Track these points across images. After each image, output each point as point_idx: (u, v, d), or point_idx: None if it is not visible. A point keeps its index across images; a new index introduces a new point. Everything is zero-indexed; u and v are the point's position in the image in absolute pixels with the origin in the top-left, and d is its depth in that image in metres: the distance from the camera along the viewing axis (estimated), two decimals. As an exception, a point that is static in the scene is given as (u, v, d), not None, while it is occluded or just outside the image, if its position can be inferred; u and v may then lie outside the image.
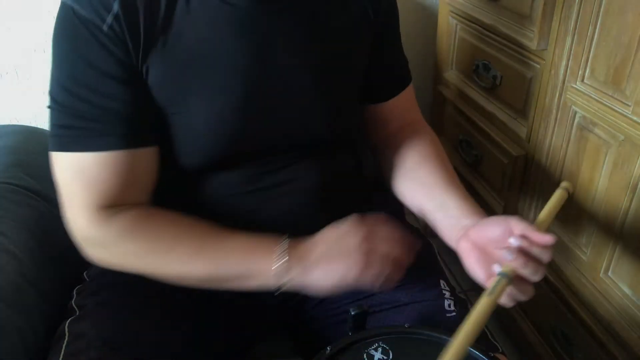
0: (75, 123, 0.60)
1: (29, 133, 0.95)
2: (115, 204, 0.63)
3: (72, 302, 0.68)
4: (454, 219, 0.68)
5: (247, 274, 0.62)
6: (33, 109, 1.17)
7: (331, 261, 0.61)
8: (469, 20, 1.13)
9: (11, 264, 0.67)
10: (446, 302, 0.73)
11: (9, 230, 0.71)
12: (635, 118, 0.71)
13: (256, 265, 0.62)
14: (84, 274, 0.73)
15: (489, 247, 0.61)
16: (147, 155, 0.64)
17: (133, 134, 0.62)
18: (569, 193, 0.65)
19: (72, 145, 0.60)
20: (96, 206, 0.62)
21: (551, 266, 0.95)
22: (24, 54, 1.12)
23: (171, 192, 0.72)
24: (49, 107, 0.62)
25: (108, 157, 0.60)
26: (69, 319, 0.65)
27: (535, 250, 0.56)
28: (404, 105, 0.83)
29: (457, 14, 1.18)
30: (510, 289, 0.56)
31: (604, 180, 0.79)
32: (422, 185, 0.74)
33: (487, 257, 0.60)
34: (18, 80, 1.15)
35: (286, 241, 0.63)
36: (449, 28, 1.23)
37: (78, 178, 0.61)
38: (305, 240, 0.65)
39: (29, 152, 0.89)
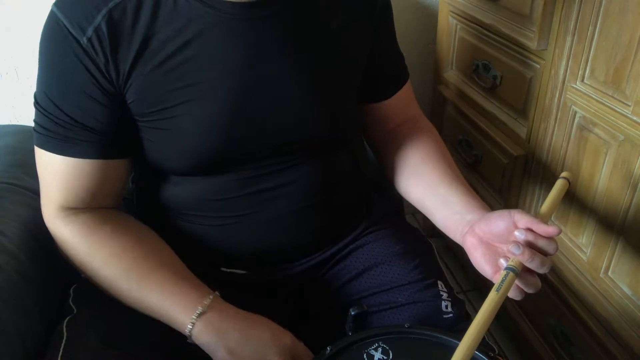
0: (51, 127, 0.62)
1: (29, 133, 0.94)
2: (77, 207, 0.66)
3: (70, 301, 0.68)
4: (459, 214, 0.68)
5: (164, 319, 0.64)
6: (33, 109, 1.17)
7: (239, 358, 0.62)
8: (469, 20, 1.13)
9: (11, 264, 0.67)
10: (443, 304, 0.73)
11: (9, 230, 0.70)
12: (635, 118, 0.71)
13: (171, 316, 0.63)
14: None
15: (494, 241, 0.61)
16: (117, 166, 0.67)
17: (106, 147, 0.64)
18: (569, 182, 0.64)
19: (48, 146, 0.63)
20: (61, 205, 0.65)
21: (551, 266, 0.95)
22: (24, 54, 1.12)
23: (162, 195, 0.72)
24: (34, 104, 0.64)
25: (78, 163, 0.63)
26: (67, 318, 0.65)
27: (541, 242, 0.56)
28: (402, 102, 0.83)
29: (457, 14, 1.18)
30: (518, 282, 0.56)
31: (604, 180, 0.79)
32: (426, 183, 0.74)
33: (493, 252, 0.60)
34: (18, 80, 1.15)
35: (203, 308, 0.63)
36: (449, 28, 1.23)
37: (50, 175, 0.65)
38: (232, 312, 0.65)
39: (29, 152, 0.88)
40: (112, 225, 0.67)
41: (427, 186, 0.74)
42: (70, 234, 0.65)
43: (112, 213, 0.69)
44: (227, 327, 0.63)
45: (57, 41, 0.60)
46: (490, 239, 0.61)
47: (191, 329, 0.62)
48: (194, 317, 0.62)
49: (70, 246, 0.65)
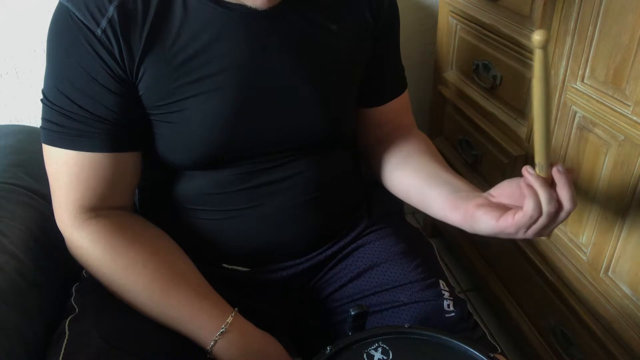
0: (63, 122, 0.62)
1: (29, 133, 0.95)
2: (96, 206, 0.65)
3: (72, 300, 0.68)
4: (464, 192, 0.67)
5: (184, 333, 0.65)
6: (33, 109, 1.17)
7: None
8: (469, 20, 1.13)
9: (11, 264, 0.67)
10: (445, 303, 0.73)
11: (8, 230, 0.71)
12: (635, 118, 0.71)
13: (194, 332, 0.65)
14: (83, 272, 0.73)
15: (506, 202, 0.62)
16: (130, 159, 0.67)
17: (118, 139, 0.64)
18: (544, 47, 0.49)
19: (59, 142, 0.62)
20: (78, 205, 0.64)
21: (551, 266, 0.95)
22: (24, 54, 1.12)
23: (163, 190, 0.72)
24: (41, 100, 0.64)
25: (91, 157, 0.63)
26: (69, 317, 0.65)
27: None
28: (397, 110, 0.83)
29: (457, 14, 1.18)
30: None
31: (604, 180, 0.79)
32: (422, 172, 0.74)
33: (506, 210, 0.60)
34: (18, 81, 1.15)
35: (226, 327, 0.65)
36: (449, 28, 1.23)
37: (63, 173, 0.64)
38: (252, 330, 0.67)
39: (29, 152, 0.89)
40: (132, 231, 0.66)
41: (423, 176, 0.73)
42: (88, 239, 0.64)
43: (130, 218, 0.69)
44: (247, 346, 0.66)
45: (70, 33, 0.60)
46: (504, 200, 0.62)
47: (213, 345, 0.64)
48: (217, 336, 0.64)
49: (88, 252, 0.65)
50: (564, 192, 0.57)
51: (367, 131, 0.84)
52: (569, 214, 0.58)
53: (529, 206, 0.57)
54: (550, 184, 0.57)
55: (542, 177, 0.57)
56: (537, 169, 0.58)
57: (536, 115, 0.53)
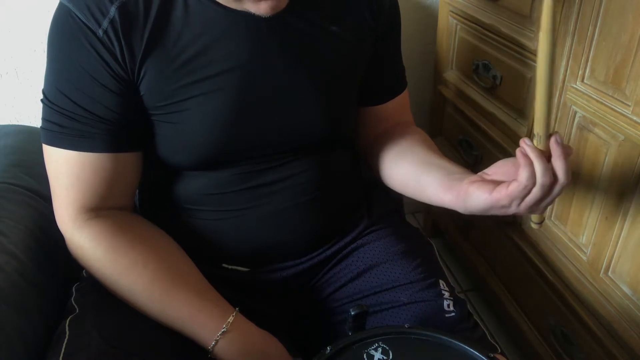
0: (63, 122, 0.62)
1: (29, 133, 0.95)
2: (97, 206, 0.65)
3: (72, 300, 0.68)
4: (459, 174, 0.67)
5: (185, 333, 0.65)
6: (33, 109, 1.17)
7: None
8: (469, 20, 1.13)
9: (11, 264, 0.67)
10: (445, 303, 0.73)
11: (8, 230, 0.70)
12: (635, 118, 0.71)
13: (195, 332, 0.65)
14: (83, 271, 0.73)
15: (501, 179, 0.61)
16: (131, 159, 0.67)
17: (118, 139, 0.64)
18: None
19: (59, 142, 0.62)
20: (79, 206, 0.64)
21: (551, 266, 0.95)
22: (24, 54, 1.12)
23: (163, 190, 0.72)
24: (42, 100, 0.64)
25: (92, 157, 0.63)
26: (69, 317, 0.65)
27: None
28: (397, 108, 0.83)
29: (457, 14, 1.19)
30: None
31: (604, 180, 0.79)
32: (417, 161, 0.74)
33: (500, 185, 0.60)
34: (18, 81, 1.15)
35: (227, 326, 0.65)
36: (449, 28, 1.23)
37: (64, 173, 0.64)
38: (253, 330, 0.67)
39: (29, 152, 0.89)
40: (132, 232, 0.66)
41: (421, 165, 0.73)
42: (89, 239, 0.64)
43: (131, 218, 0.69)
44: (248, 346, 0.65)
45: (71, 33, 0.60)
46: (497, 178, 0.62)
47: (214, 345, 0.64)
48: (218, 335, 0.64)
49: (88, 252, 0.65)
50: (558, 164, 0.56)
51: (365, 129, 0.84)
52: (563, 188, 0.57)
53: (523, 175, 0.56)
54: (547, 157, 0.57)
55: (539, 149, 0.57)
56: (534, 140, 0.58)
57: (539, 84, 0.53)
